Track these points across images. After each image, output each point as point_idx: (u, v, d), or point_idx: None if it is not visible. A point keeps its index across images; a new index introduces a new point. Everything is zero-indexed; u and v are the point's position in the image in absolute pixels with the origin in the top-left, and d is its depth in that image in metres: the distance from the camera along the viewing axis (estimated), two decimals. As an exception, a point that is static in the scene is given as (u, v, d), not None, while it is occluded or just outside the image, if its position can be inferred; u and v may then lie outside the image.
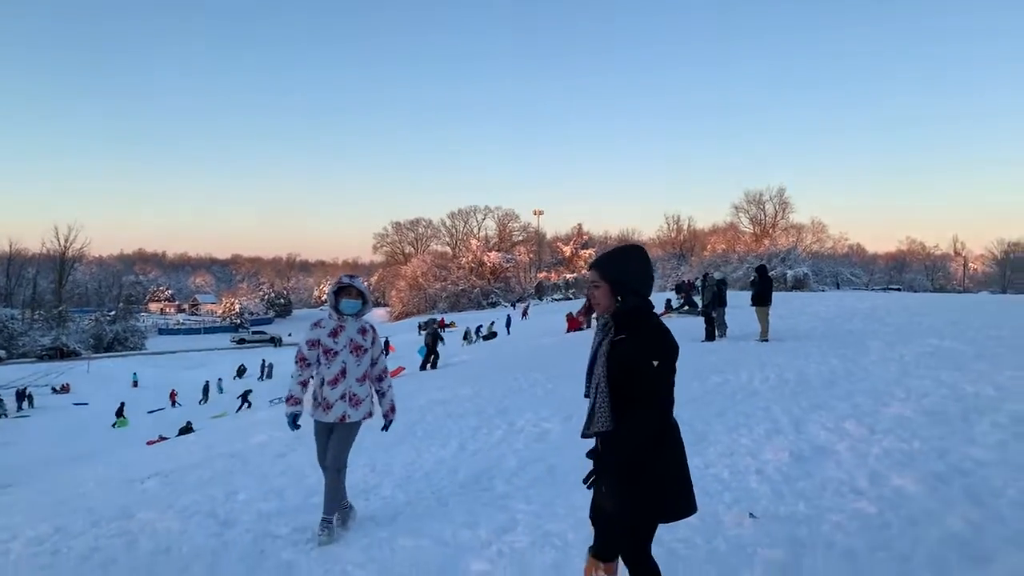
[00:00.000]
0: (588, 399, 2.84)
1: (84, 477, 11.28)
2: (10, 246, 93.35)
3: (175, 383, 46.38)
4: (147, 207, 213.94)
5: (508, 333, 40.56)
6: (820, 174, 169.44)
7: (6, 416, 39.55)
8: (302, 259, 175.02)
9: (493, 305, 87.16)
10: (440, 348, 21.79)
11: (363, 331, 5.08)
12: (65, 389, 49.87)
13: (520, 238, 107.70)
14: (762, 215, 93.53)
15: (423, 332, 26.37)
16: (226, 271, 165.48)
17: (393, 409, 5.25)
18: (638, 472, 2.69)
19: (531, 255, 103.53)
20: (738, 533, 4.20)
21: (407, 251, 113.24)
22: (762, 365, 10.71)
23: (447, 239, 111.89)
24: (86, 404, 44.24)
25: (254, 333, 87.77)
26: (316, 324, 5.05)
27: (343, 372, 4.94)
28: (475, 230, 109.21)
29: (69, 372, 57.77)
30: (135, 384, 50.91)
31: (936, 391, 7.29)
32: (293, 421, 5.00)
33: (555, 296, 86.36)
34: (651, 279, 2.85)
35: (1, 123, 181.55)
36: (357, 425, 5.04)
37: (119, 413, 36.57)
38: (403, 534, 4.71)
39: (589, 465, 2.87)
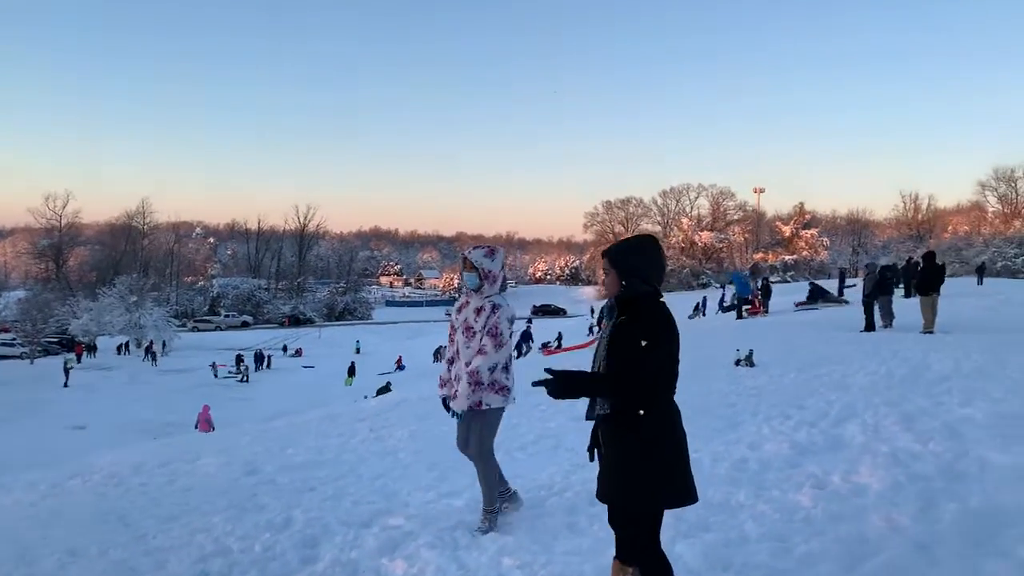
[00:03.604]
0: None
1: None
2: (258, 223, 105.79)
3: (399, 350, 50.09)
4: (383, 188, 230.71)
5: (703, 315, 41.51)
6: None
7: (247, 381, 45.08)
8: (520, 237, 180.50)
9: (704, 286, 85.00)
10: None
11: (479, 310, 4.35)
12: (298, 353, 55.95)
13: (736, 217, 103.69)
14: (1013, 194, 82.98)
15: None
16: (451, 247, 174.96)
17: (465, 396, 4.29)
18: (634, 458, 2.71)
19: (747, 235, 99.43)
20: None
21: (617, 230, 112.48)
22: (885, 358, 9.88)
23: (658, 218, 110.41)
24: (313, 367, 49.37)
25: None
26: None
27: (457, 353, 4.44)
28: (687, 209, 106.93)
29: (303, 338, 64.89)
30: (357, 351, 55.65)
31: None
32: (444, 404, 4.54)
33: (772, 278, 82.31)
34: (660, 268, 2.92)
35: (253, 120, 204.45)
36: (481, 412, 4.32)
37: (350, 372, 41.23)
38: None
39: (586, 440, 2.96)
